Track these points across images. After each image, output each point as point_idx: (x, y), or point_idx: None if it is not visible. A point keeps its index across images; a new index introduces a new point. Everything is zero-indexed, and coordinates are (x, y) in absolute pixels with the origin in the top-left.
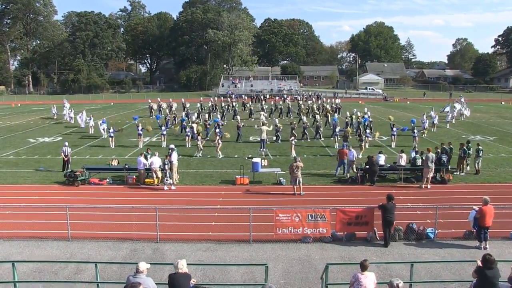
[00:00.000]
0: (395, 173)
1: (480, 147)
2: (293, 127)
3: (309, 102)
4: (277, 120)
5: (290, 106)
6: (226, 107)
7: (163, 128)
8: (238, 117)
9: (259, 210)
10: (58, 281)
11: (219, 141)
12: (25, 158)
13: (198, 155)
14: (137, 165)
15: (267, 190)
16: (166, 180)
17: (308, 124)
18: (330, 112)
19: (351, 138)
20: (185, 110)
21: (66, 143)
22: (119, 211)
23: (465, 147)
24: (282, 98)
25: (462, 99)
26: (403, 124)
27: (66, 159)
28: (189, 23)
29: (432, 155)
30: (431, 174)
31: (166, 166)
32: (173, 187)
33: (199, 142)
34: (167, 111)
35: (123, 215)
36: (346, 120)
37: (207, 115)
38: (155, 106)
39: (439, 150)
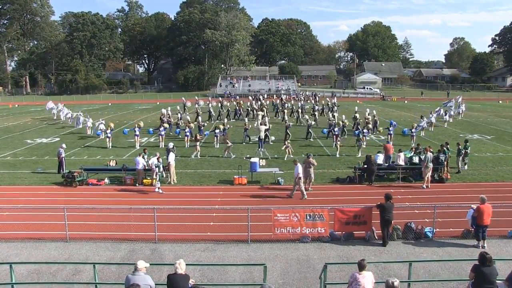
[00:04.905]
0: (393, 172)
1: (465, 144)
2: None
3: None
4: (307, 116)
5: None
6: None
7: (161, 128)
8: (246, 119)
9: (257, 210)
10: (56, 282)
11: (228, 141)
12: (22, 159)
13: (194, 156)
14: (136, 165)
15: (265, 190)
16: (157, 183)
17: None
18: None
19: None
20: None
21: (63, 145)
22: (117, 211)
23: (445, 148)
24: (280, 98)
25: (460, 99)
26: (400, 124)
27: (58, 160)
28: (187, 23)
29: (430, 155)
30: (429, 174)
31: (156, 168)
32: (157, 191)
33: (198, 144)
34: (164, 110)
35: (121, 216)
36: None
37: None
38: (188, 104)
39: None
